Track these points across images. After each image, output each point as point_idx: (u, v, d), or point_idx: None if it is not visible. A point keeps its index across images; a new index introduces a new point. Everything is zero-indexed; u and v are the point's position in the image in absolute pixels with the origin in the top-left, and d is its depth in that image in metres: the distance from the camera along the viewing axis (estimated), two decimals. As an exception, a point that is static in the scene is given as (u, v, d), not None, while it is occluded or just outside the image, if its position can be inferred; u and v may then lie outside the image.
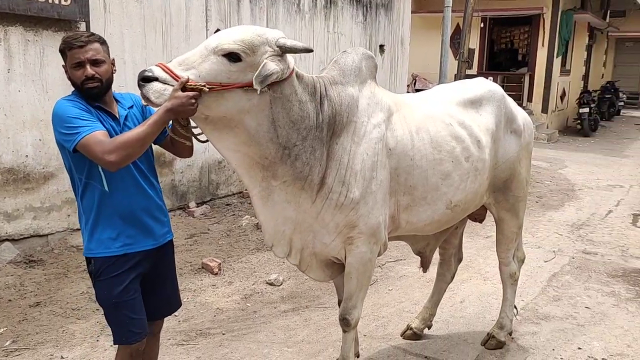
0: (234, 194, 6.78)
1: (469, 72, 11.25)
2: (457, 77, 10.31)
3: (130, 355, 2.47)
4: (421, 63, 14.06)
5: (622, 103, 20.41)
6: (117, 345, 2.53)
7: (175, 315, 3.90)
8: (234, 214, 6.17)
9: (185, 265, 4.75)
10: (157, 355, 2.76)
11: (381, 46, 9.38)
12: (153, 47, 5.60)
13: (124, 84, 5.36)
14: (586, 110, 14.55)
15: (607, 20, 19.21)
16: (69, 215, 5.09)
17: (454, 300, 4.31)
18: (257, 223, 5.80)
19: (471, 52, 11.00)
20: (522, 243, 3.76)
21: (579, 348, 3.63)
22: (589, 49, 18.50)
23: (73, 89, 2.38)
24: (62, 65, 2.37)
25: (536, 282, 4.73)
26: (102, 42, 2.39)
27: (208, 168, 6.39)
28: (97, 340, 3.53)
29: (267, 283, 4.52)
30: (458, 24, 12.23)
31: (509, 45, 15.73)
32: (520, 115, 3.37)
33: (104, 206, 2.36)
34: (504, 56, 15.87)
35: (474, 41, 13.65)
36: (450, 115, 2.99)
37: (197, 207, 6.13)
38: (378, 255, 2.83)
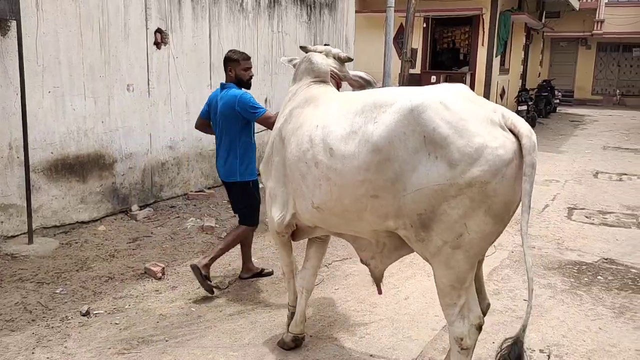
0: (178, 196, 6.66)
1: (412, 71, 11.46)
2: (401, 76, 10.48)
3: (251, 230, 4.53)
4: (366, 62, 14.16)
5: (557, 100, 21.25)
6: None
7: (116, 324, 3.80)
8: (178, 217, 6.06)
9: (127, 270, 4.63)
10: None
11: (326, 45, 9.40)
12: (90, 47, 5.43)
13: (59, 84, 5.18)
14: (524, 108, 15.07)
15: (543, 21, 19.98)
16: (1, 222, 4.88)
17: (398, 298, 4.37)
18: (203, 225, 5.72)
19: (414, 51, 11.19)
20: (476, 303, 2.77)
21: (518, 340, 3.75)
22: (526, 48, 19.18)
23: None
24: (229, 68, 4.30)
25: (477, 277, 4.86)
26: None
27: (151, 170, 6.25)
28: (33, 353, 3.39)
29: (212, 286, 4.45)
30: (401, 23, 12.41)
31: (450, 44, 16.09)
32: (464, 144, 2.44)
33: (251, 152, 4.38)
34: (446, 55, 16.24)
35: (416, 41, 13.90)
36: (325, 117, 2.97)
37: (140, 210, 5.99)
38: (280, 231, 3.36)
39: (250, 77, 4.37)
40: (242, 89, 4.30)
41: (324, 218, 3.07)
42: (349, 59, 3.67)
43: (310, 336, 3.70)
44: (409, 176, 2.56)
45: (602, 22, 26.02)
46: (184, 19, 6.50)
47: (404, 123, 2.57)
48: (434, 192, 2.50)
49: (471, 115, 2.50)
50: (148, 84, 6.10)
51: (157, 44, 6.18)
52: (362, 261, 3.28)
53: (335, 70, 3.55)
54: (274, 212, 3.32)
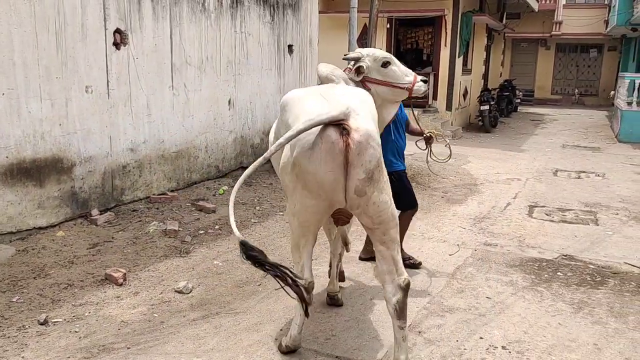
0: (140, 200, 6.53)
1: (376, 71, 11.48)
2: (365, 76, 10.51)
3: (413, 215, 5.15)
4: (331, 62, 14.15)
5: (519, 100, 21.71)
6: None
7: (76, 332, 3.71)
8: (140, 220, 5.94)
9: (86, 277, 4.51)
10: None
11: (289, 46, 9.38)
12: (46, 47, 5.28)
13: (14, 86, 5.02)
14: (486, 107, 15.33)
15: (504, 22, 20.34)
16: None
17: (364, 298, 4.38)
18: (165, 229, 5.63)
19: (378, 52, 11.25)
20: (307, 270, 3.38)
21: (481, 338, 3.81)
22: (487, 49, 19.50)
23: None
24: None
25: (441, 276, 4.91)
26: None
27: (111, 173, 6.11)
28: (-13, 365, 3.28)
29: (175, 291, 4.38)
30: (365, 24, 12.45)
31: (414, 45, 16.24)
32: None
33: (388, 147, 4.68)
34: (410, 56, 16.36)
35: (380, 41, 13.98)
36: None
37: (101, 214, 5.85)
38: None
39: None
40: None
41: None
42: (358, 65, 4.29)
43: (275, 339, 3.68)
44: (279, 154, 3.25)
45: (560, 23, 26.72)
46: (144, 19, 6.37)
47: (280, 111, 3.41)
48: (282, 167, 3.24)
49: (312, 109, 3.05)
50: (107, 86, 5.97)
51: (117, 45, 6.04)
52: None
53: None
54: None
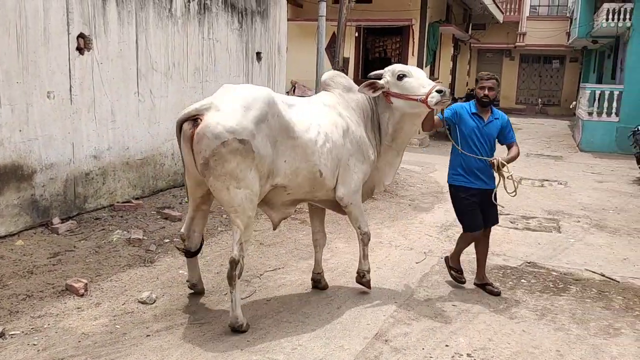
0: (104, 207, 6.39)
1: (344, 80, 11.54)
2: (334, 84, 10.54)
3: (473, 237, 4.80)
4: (300, 70, 14.22)
5: (484, 109, 22.08)
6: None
7: (34, 345, 3.59)
8: (103, 229, 5.80)
9: (46, 287, 4.38)
10: (486, 248, 4.96)
11: (258, 53, 9.35)
12: (7, 52, 5.13)
13: (-29, 91, 4.87)
14: (453, 116, 15.53)
15: (470, 32, 20.73)
16: None
17: (330, 307, 4.36)
18: (130, 237, 5.51)
19: (346, 60, 11.31)
20: (187, 222, 4.23)
21: (447, 345, 3.83)
22: (454, 59, 19.81)
23: None
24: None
25: (408, 284, 4.93)
26: (496, 79, 4.65)
27: (74, 180, 5.96)
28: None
29: (138, 302, 4.28)
30: (334, 32, 12.51)
31: (382, 54, 16.38)
32: None
33: (454, 159, 4.72)
34: (378, 65, 16.46)
35: (349, 50, 14.07)
36: None
37: (62, 223, 5.69)
38: None
39: (484, 95, 4.59)
40: (467, 104, 4.77)
41: None
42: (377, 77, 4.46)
43: (241, 350, 3.63)
44: None
45: (524, 34, 27.39)
46: (109, 24, 6.26)
47: None
48: None
49: None
50: (70, 91, 5.83)
51: (80, 50, 5.91)
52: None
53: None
54: None
